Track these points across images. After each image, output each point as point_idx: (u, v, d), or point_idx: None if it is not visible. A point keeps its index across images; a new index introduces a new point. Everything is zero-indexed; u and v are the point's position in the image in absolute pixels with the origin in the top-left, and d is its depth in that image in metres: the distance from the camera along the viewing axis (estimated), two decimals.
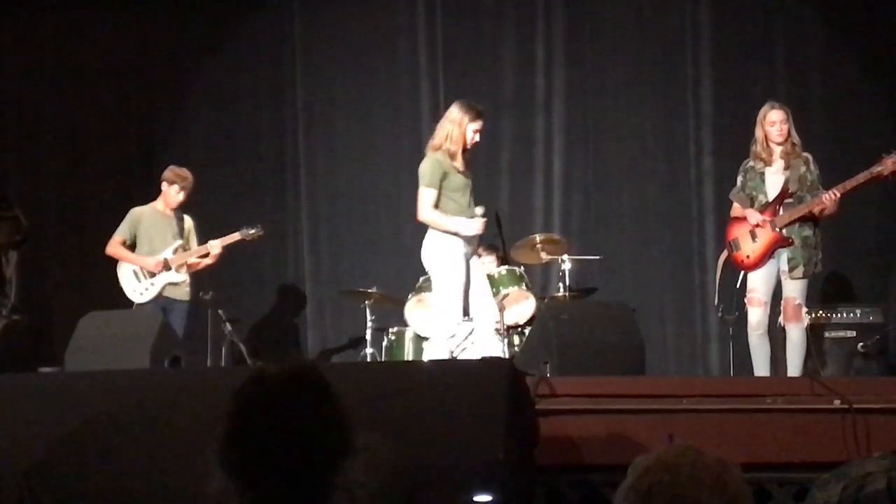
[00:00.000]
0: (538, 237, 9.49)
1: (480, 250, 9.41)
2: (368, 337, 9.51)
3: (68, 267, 10.00)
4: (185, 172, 9.03)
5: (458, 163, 7.38)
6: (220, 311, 8.99)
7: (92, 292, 8.98)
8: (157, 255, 8.83)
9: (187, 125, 11.02)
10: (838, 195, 7.47)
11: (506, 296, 8.90)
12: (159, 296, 8.77)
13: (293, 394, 2.36)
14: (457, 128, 7.35)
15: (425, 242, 7.48)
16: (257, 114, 11.05)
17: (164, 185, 9.01)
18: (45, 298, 10.08)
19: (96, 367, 6.50)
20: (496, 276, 9.09)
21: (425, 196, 7.34)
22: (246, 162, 10.98)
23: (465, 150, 7.41)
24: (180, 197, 8.98)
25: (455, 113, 7.41)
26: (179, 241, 8.92)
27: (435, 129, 7.54)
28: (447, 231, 7.32)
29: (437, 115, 10.52)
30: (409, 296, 9.14)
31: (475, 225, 7.42)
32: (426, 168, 7.37)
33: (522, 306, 8.93)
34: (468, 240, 7.44)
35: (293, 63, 11.01)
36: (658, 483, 2.21)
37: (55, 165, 10.67)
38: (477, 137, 7.44)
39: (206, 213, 10.01)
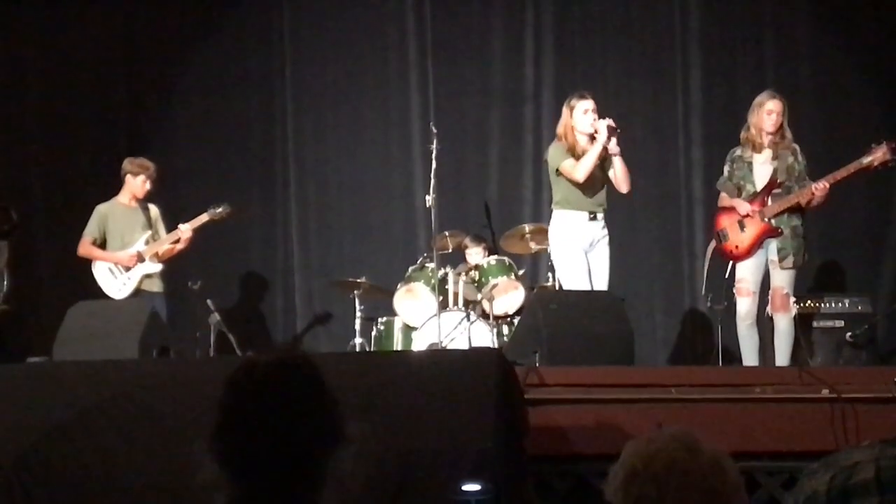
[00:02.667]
0: (527, 227, 9.49)
1: (468, 241, 9.47)
2: (357, 327, 9.50)
3: (56, 257, 9.95)
4: (146, 162, 8.97)
5: (579, 150, 7.70)
6: (208, 301, 8.96)
7: (80, 282, 8.93)
8: (129, 248, 8.79)
9: (175, 115, 10.98)
10: (828, 186, 7.46)
11: (495, 286, 8.91)
12: (138, 289, 8.73)
13: (283, 383, 2.35)
14: (566, 119, 7.80)
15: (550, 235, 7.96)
16: (246, 103, 11.02)
17: (129, 178, 8.90)
18: (34, 288, 10.04)
19: (85, 358, 6.48)
20: (485, 266, 9.11)
21: (566, 165, 7.67)
22: (234, 152, 10.94)
23: (590, 137, 7.72)
24: (147, 186, 8.91)
25: (564, 108, 7.88)
26: (149, 232, 8.86)
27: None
28: (596, 155, 7.59)
29: (425, 104, 10.60)
30: (399, 285, 9.14)
31: (596, 122, 7.70)
32: (552, 153, 7.84)
33: (511, 296, 8.93)
34: (584, 233, 7.73)
35: (282, 52, 10.98)
36: (645, 496, 2.18)
37: (42, 155, 10.62)
38: (591, 116, 7.73)
39: (193, 202, 9.99)
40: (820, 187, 7.45)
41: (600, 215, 7.75)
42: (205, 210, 8.95)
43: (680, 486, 2.16)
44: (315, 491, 2.32)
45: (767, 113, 7.63)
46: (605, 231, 7.80)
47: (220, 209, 8.93)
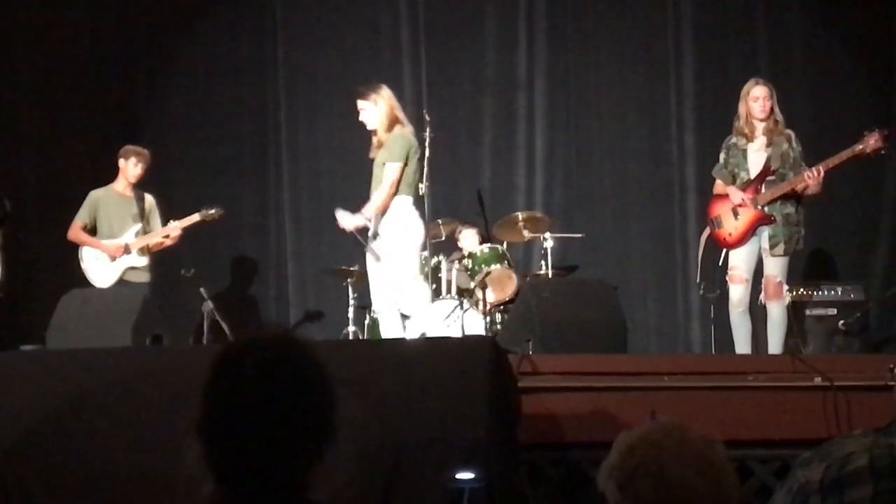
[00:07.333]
0: (520, 215, 9.49)
1: (461, 228, 9.47)
2: (350, 315, 9.51)
3: (49, 245, 9.93)
4: (140, 148, 9.01)
5: None
6: (201, 289, 8.96)
7: (73, 270, 8.93)
8: (116, 237, 8.80)
9: (168, 103, 10.95)
10: (822, 172, 7.45)
11: (488, 274, 8.91)
12: (120, 280, 8.75)
13: (276, 363, 2.26)
14: None
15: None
16: (238, 91, 11.00)
17: (121, 162, 8.95)
18: (27, 276, 10.02)
19: (78, 345, 6.49)
20: (478, 253, 9.10)
21: None
22: (227, 139, 10.93)
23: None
24: (138, 170, 8.92)
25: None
26: (140, 225, 8.87)
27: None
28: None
29: (418, 92, 10.59)
30: None
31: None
32: None
33: (505, 284, 8.93)
34: None
35: (275, 40, 10.96)
36: (643, 462, 2.22)
37: (35, 142, 10.58)
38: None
39: (185, 190, 10.00)
40: (813, 174, 7.43)
41: None
42: (196, 207, 8.97)
43: (676, 451, 2.23)
44: (304, 476, 2.26)
45: (753, 99, 7.63)
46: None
47: (212, 211, 8.96)
